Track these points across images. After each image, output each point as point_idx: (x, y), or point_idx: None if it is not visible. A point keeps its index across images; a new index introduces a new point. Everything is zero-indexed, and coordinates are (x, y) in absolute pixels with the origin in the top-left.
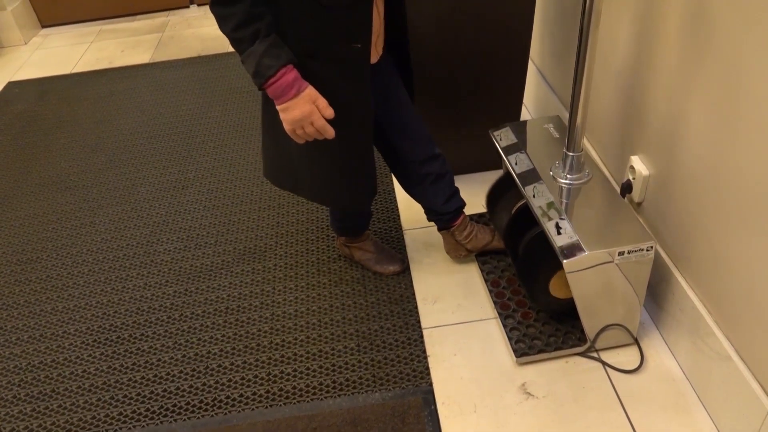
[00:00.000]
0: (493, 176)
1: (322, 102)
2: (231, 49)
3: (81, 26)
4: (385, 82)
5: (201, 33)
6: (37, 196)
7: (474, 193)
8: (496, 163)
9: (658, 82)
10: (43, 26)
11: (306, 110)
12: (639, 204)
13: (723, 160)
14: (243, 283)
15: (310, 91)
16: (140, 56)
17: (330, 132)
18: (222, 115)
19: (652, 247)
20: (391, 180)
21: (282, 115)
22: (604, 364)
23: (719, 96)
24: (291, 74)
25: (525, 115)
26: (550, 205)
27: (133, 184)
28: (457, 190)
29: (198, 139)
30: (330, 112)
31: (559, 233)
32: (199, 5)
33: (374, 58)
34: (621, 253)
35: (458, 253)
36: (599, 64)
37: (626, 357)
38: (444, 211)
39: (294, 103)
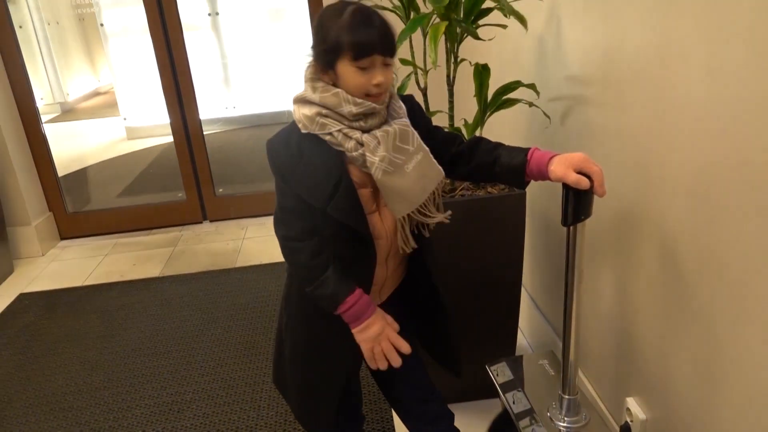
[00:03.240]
0: (491, 405)
1: (389, 318)
2: (239, 264)
3: (98, 239)
4: None
5: (211, 248)
6: (28, 418)
7: (472, 424)
8: (494, 390)
9: (643, 329)
10: (62, 239)
11: (381, 325)
12: None
13: (711, 414)
14: None
15: (380, 311)
16: (151, 270)
17: (404, 345)
18: (224, 332)
19: None
20: (390, 411)
21: (360, 336)
22: None
23: (701, 348)
24: (365, 296)
25: (521, 340)
26: None
27: (129, 405)
28: None
29: (199, 357)
30: (396, 326)
31: None
32: (211, 221)
33: (376, 302)
34: None
35: None
36: (590, 306)
37: None
38: None
39: (372, 321)
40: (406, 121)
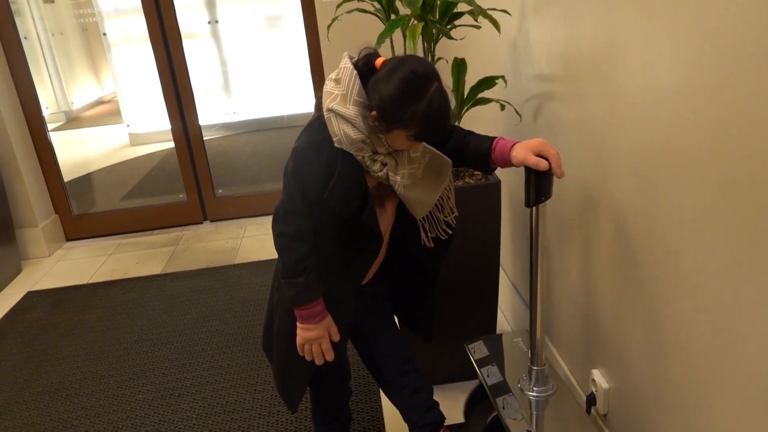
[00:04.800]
0: (472, 385)
1: (334, 329)
2: (237, 261)
3: (102, 240)
4: (372, 300)
5: (211, 247)
6: (38, 404)
7: (457, 403)
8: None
9: (603, 304)
10: (68, 240)
11: (320, 334)
12: (605, 416)
13: (660, 377)
14: None
15: (329, 320)
16: (153, 267)
17: (330, 356)
18: (222, 324)
19: None
20: (377, 388)
21: (300, 332)
22: None
23: (647, 317)
24: (320, 306)
25: (503, 323)
26: (519, 416)
27: (132, 391)
28: (435, 404)
29: (198, 346)
30: (337, 338)
31: None
32: (211, 221)
33: (365, 280)
34: None
35: None
36: (558, 285)
37: None
38: (421, 423)
39: (313, 327)
40: None
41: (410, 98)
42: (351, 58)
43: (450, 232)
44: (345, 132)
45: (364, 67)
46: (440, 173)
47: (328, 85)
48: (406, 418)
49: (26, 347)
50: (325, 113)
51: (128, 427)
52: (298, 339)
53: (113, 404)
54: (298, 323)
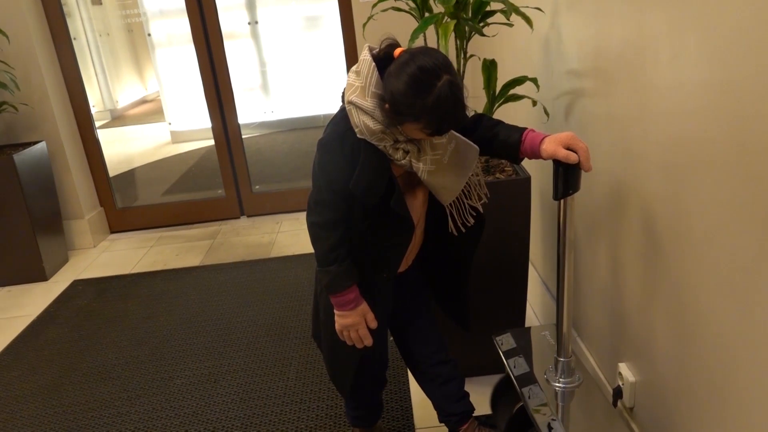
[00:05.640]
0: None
1: (371, 316)
2: (273, 255)
3: (144, 232)
4: (410, 289)
5: (247, 240)
6: (82, 385)
7: (485, 396)
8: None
9: (631, 298)
10: (112, 232)
11: (356, 320)
12: (631, 409)
13: (685, 368)
14: None
15: (364, 307)
16: (192, 260)
17: (368, 341)
18: (257, 314)
19: None
20: (407, 379)
21: (337, 318)
22: None
23: (672, 307)
24: (353, 294)
25: (533, 318)
26: (544, 406)
27: (170, 376)
28: (466, 395)
29: (234, 335)
30: (374, 324)
31: None
32: (248, 216)
33: (402, 268)
34: None
35: None
36: (587, 279)
37: None
38: (451, 412)
39: (348, 314)
40: None
41: (417, 93)
42: (371, 49)
43: (480, 218)
44: (365, 123)
45: (385, 57)
46: (466, 159)
47: (350, 77)
48: (436, 407)
49: (72, 332)
50: (346, 105)
51: (166, 409)
52: (336, 325)
53: (152, 387)
54: (334, 310)
